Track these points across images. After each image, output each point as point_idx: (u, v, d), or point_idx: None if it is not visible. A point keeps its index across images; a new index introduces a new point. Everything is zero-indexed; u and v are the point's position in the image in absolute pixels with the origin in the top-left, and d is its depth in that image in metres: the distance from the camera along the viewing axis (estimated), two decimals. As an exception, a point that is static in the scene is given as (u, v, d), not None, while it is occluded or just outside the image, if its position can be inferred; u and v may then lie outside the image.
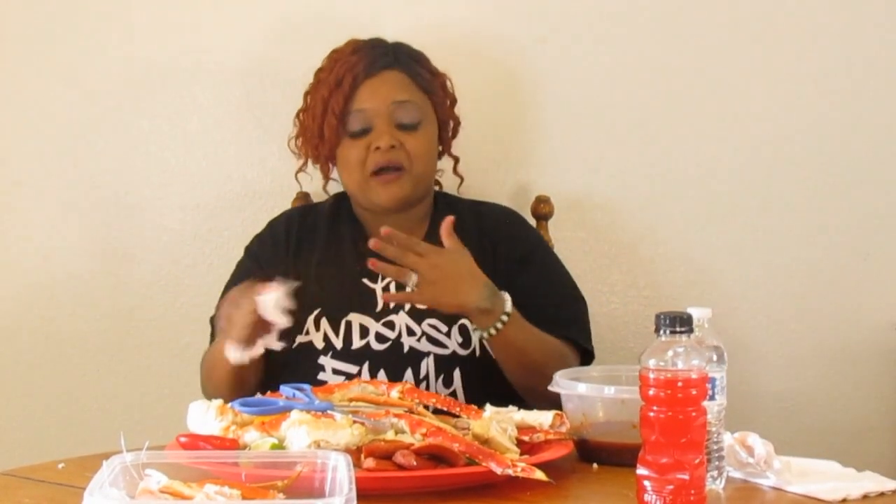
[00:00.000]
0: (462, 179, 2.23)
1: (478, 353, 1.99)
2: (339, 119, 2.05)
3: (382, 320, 2.00)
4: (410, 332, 2.00)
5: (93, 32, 2.46)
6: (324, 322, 2.01)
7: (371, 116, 2.05)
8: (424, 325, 2.00)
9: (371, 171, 2.04)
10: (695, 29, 2.44)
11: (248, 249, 2.15)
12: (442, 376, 1.97)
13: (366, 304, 2.02)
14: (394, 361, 1.97)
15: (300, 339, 2.00)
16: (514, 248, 2.09)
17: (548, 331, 1.96)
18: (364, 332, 2.00)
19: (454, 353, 1.99)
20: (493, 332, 1.87)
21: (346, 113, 2.05)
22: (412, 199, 2.07)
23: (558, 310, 2.05)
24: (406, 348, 1.99)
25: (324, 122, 2.06)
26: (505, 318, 1.87)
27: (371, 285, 2.04)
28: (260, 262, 2.10)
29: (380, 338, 1.99)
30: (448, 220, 1.89)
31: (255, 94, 2.46)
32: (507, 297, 1.89)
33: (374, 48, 2.09)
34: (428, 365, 1.98)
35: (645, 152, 2.46)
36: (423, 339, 1.99)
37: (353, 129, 2.05)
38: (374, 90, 2.05)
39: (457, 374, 1.98)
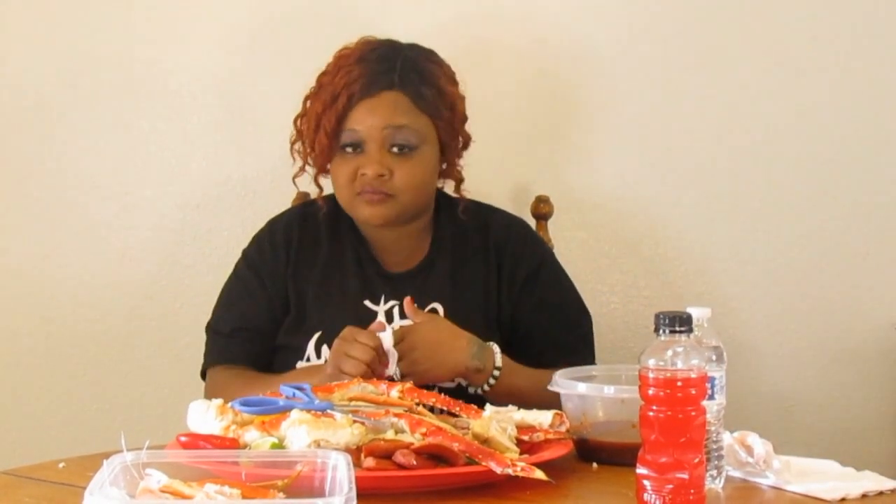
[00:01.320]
0: (462, 180, 2.15)
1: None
2: (331, 137, 1.98)
3: None
4: None
5: (93, 33, 2.46)
6: (325, 349, 1.95)
7: (363, 138, 1.97)
8: None
9: (357, 191, 1.98)
10: (695, 29, 2.44)
11: (246, 255, 2.10)
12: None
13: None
14: None
15: (300, 364, 1.96)
16: (519, 267, 2.05)
17: (552, 353, 1.96)
18: None
19: (459, 385, 1.94)
20: (486, 388, 1.88)
21: (338, 131, 1.97)
22: (399, 221, 2.01)
23: (563, 333, 2.04)
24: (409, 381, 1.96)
25: (315, 139, 2.00)
26: (497, 372, 1.87)
27: (373, 307, 2.00)
28: (260, 274, 2.05)
29: None
30: (407, 301, 1.88)
31: (255, 93, 2.46)
32: (496, 350, 1.89)
33: (379, 62, 1.99)
34: None
35: (645, 152, 2.46)
36: None
37: (345, 142, 1.98)
38: (369, 111, 1.96)
39: None
